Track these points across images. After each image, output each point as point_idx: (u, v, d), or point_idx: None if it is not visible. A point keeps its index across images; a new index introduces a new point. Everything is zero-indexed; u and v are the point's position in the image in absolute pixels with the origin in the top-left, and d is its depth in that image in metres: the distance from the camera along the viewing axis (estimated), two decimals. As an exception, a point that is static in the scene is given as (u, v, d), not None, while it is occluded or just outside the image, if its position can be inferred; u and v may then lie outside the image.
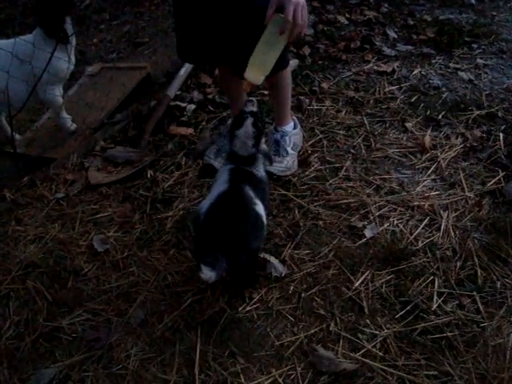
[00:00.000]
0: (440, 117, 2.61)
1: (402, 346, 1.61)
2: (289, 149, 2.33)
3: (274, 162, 2.21)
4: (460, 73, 2.99)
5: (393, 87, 2.90)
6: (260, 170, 1.82)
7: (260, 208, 1.70)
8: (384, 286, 1.80)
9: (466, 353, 1.58)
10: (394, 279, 1.82)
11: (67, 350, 1.72)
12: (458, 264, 1.86)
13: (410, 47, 3.32)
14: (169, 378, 1.59)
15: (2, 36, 2.99)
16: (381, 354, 1.60)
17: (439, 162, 2.32)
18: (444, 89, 2.87)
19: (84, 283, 1.94)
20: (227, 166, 1.82)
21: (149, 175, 2.43)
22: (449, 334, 1.63)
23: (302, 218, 2.09)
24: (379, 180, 2.25)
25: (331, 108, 2.75)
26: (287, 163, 2.30)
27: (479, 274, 1.81)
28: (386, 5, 3.89)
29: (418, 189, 2.19)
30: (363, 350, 1.61)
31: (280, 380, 1.56)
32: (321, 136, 2.54)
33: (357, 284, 1.81)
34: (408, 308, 1.72)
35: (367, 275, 1.84)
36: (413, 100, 2.77)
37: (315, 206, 2.14)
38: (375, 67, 3.11)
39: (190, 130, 2.71)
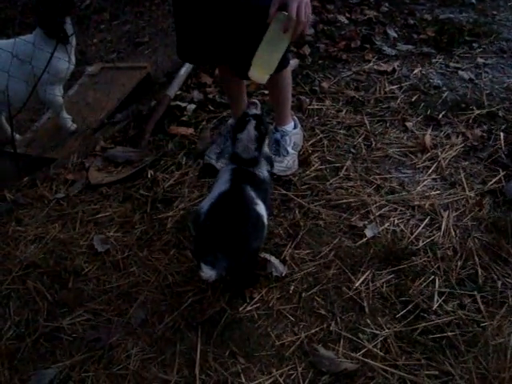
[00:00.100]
0: (440, 116, 2.61)
1: (402, 345, 1.61)
2: (289, 148, 2.33)
3: (275, 162, 2.21)
4: (460, 72, 2.99)
5: (393, 87, 2.90)
6: (263, 171, 1.81)
7: (261, 208, 1.70)
8: (385, 285, 1.80)
9: (466, 352, 1.57)
10: (394, 279, 1.82)
11: (68, 350, 1.72)
12: (459, 263, 1.86)
13: (410, 46, 3.31)
14: (169, 378, 1.59)
15: (2, 36, 3.00)
16: (381, 353, 1.59)
17: (440, 161, 2.32)
18: (444, 88, 2.86)
19: (84, 283, 1.94)
20: (229, 165, 1.81)
21: (149, 175, 2.43)
22: (449, 333, 1.63)
23: (302, 218, 2.09)
24: (380, 179, 2.25)
25: (331, 107, 2.75)
26: (287, 163, 2.30)
27: (480, 273, 1.81)
28: (387, 4, 3.88)
29: (419, 188, 2.19)
30: (364, 350, 1.61)
31: (281, 380, 1.56)
32: (321, 135, 2.53)
33: (357, 284, 1.81)
34: (409, 308, 1.72)
35: (368, 275, 1.84)
36: (413, 99, 2.77)
37: (316, 206, 2.14)
38: (375, 67, 3.10)
39: (191, 130, 2.71)
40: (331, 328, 1.68)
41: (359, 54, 3.27)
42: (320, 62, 3.22)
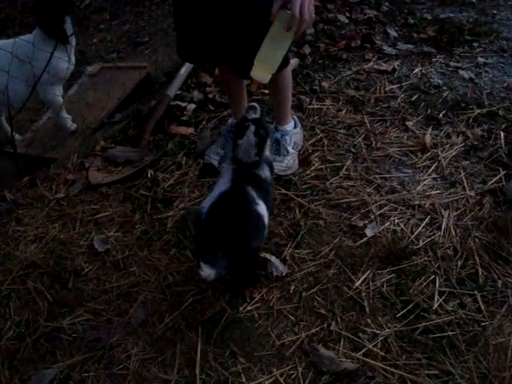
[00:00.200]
0: (441, 115, 2.61)
1: (403, 345, 1.61)
2: (289, 148, 2.33)
3: (275, 161, 2.20)
4: (461, 71, 2.99)
5: (393, 86, 2.89)
6: (264, 171, 1.80)
7: (262, 208, 1.69)
8: (385, 285, 1.80)
9: (467, 352, 1.57)
10: (394, 278, 1.82)
11: (68, 350, 1.72)
12: (459, 263, 1.85)
13: (410, 46, 3.31)
14: (170, 378, 1.59)
15: (1, 36, 3.00)
16: (382, 353, 1.59)
17: (440, 160, 2.32)
18: (445, 87, 2.86)
19: (84, 283, 1.94)
20: (231, 165, 1.80)
21: (149, 175, 2.43)
22: (450, 333, 1.62)
23: (302, 218, 2.08)
24: (380, 179, 2.25)
25: (332, 107, 2.75)
26: (288, 162, 2.30)
27: (480, 272, 1.81)
28: (387, 3, 3.88)
29: (419, 188, 2.19)
30: (364, 350, 1.61)
31: (281, 380, 1.56)
32: (321, 135, 2.53)
33: (358, 283, 1.81)
34: (409, 307, 1.71)
35: (368, 274, 1.84)
36: (413, 99, 2.76)
37: (316, 206, 2.13)
38: (376, 66, 3.10)
39: (191, 130, 2.71)
40: (331, 328, 1.68)
41: (359, 54, 3.27)
42: (320, 61, 3.22)
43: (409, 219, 2.05)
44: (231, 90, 2.47)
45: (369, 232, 1.99)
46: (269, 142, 1.84)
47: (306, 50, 3.31)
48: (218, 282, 1.79)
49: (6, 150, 2.75)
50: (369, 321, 1.69)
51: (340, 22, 3.69)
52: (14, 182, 2.50)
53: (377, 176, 2.26)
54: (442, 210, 2.07)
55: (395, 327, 1.66)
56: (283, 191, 2.21)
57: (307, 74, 3.08)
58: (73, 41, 2.65)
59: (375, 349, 1.61)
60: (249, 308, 1.76)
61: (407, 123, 2.57)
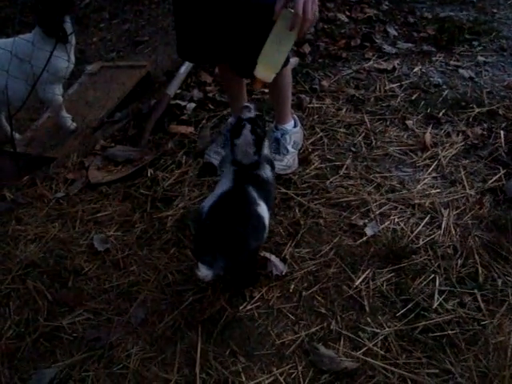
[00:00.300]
0: (441, 114, 2.60)
1: (403, 344, 1.61)
2: (289, 147, 2.33)
3: (275, 160, 2.20)
4: (460, 70, 2.98)
5: (393, 85, 2.89)
6: (266, 171, 1.80)
7: (262, 209, 1.69)
8: (385, 284, 1.80)
9: (467, 351, 1.57)
10: (394, 277, 1.82)
11: (68, 349, 1.72)
12: (459, 262, 1.85)
13: (410, 45, 3.31)
14: (170, 377, 1.59)
15: (1, 35, 2.99)
16: (382, 352, 1.59)
17: (440, 159, 2.32)
18: (444, 86, 2.86)
19: (84, 282, 1.94)
20: (232, 167, 1.79)
21: (149, 174, 2.43)
22: (450, 332, 1.62)
23: (302, 217, 2.08)
24: (380, 178, 2.25)
25: (331, 106, 2.75)
26: (287, 161, 2.29)
27: (480, 271, 1.81)
28: (387, 2, 3.88)
29: (419, 187, 2.19)
30: (364, 349, 1.61)
31: (281, 379, 1.56)
32: (321, 134, 2.53)
33: (357, 282, 1.81)
34: (409, 306, 1.72)
35: (368, 273, 1.84)
36: (413, 98, 2.76)
37: (316, 205, 2.13)
38: (375, 65, 3.10)
39: (191, 129, 2.71)
40: (331, 327, 1.68)
41: (359, 53, 3.27)
42: (320, 60, 3.22)
43: (409, 218, 2.05)
44: (231, 89, 2.47)
45: (369, 231, 1.99)
46: (267, 141, 1.84)
47: (306, 48, 3.31)
48: (217, 281, 1.79)
49: (6, 149, 2.74)
50: (369, 320, 1.69)
51: (340, 21, 3.69)
52: (14, 181, 2.49)
53: (377, 175, 2.26)
54: (442, 209, 2.07)
55: (395, 326, 1.66)
56: (283, 190, 2.21)
57: (307, 72, 3.08)
58: (72, 40, 2.65)
59: (375, 348, 1.61)
60: (249, 307, 1.76)
61: (407, 122, 2.57)
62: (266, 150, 1.81)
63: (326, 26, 3.58)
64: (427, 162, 2.32)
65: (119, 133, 2.80)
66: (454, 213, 2.05)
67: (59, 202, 2.35)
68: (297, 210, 2.12)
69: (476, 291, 1.74)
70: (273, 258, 1.88)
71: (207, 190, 2.26)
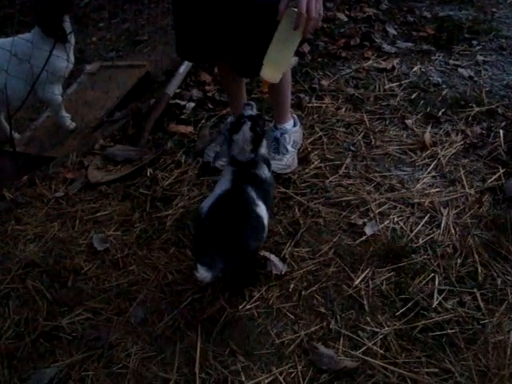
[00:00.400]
0: (440, 114, 2.60)
1: (402, 343, 1.61)
2: (289, 146, 2.33)
3: (274, 160, 2.20)
4: (460, 69, 2.98)
5: (393, 84, 2.89)
6: (264, 171, 1.79)
7: (261, 209, 1.69)
8: (384, 283, 1.80)
9: (466, 350, 1.57)
10: (394, 277, 1.82)
11: (67, 349, 1.71)
12: (459, 261, 1.85)
13: (409, 44, 3.30)
14: (169, 377, 1.59)
15: (0, 35, 2.99)
16: (381, 351, 1.59)
17: (439, 158, 2.32)
18: (444, 86, 2.86)
19: (84, 282, 1.94)
20: (230, 167, 1.80)
21: (148, 173, 2.43)
22: (449, 331, 1.63)
23: (302, 216, 2.08)
24: (379, 177, 2.24)
25: (331, 105, 2.74)
26: (287, 161, 2.29)
27: (480, 271, 1.81)
28: (386, 2, 3.88)
29: (418, 186, 2.19)
30: (364, 348, 1.61)
31: (280, 378, 1.56)
32: (321, 133, 2.53)
33: (357, 282, 1.81)
34: (408, 305, 1.71)
35: (367, 273, 1.84)
36: (413, 97, 2.76)
37: (315, 204, 2.13)
38: (375, 64, 3.10)
39: (190, 128, 2.71)
40: (331, 326, 1.68)
41: (359, 52, 3.27)
42: (319, 59, 3.22)
43: (408, 217, 2.05)
44: (230, 89, 2.47)
45: (368, 230, 1.99)
46: (265, 142, 1.83)
47: (306, 48, 3.30)
48: (217, 280, 1.79)
49: (5, 149, 2.74)
50: (368, 319, 1.69)
51: (339, 21, 3.69)
52: (13, 180, 2.49)
53: (376, 174, 2.26)
54: (442, 208, 2.06)
55: (395, 325, 1.66)
56: (283, 190, 2.21)
57: (306, 72, 3.08)
58: (72, 39, 2.65)
59: (375, 347, 1.61)
60: (248, 306, 1.76)
61: (406, 121, 2.57)
62: (263, 150, 1.81)
63: (325, 26, 3.58)
64: (427, 161, 2.32)
65: (118, 132, 2.80)
66: (454, 212, 2.05)
67: (58, 201, 2.35)
68: (296, 210, 2.12)
69: (475, 290, 1.74)
70: (272, 257, 1.88)
71: (207, 189, 2.26)
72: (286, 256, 1.92)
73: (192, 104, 2.90)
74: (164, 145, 2.61)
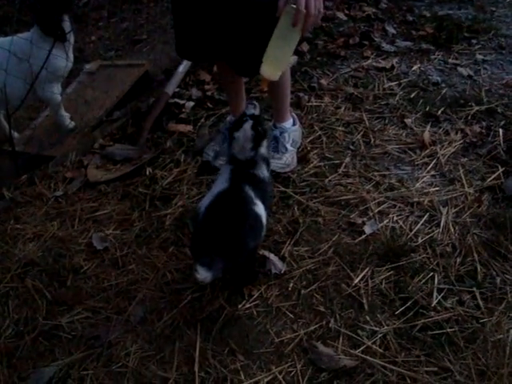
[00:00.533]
0: (439, 113, 2.60)
1: (401, 342, 1.61)
2: (288, 145, 2.33)
3: (274, 159, 2.20)
4: (459, 68, 2.98)
5: (392, 83, 2.89)
6: (263, 171, 1.79)
7: (260, 208, 1.68)
8: (384, 282, 1.80)
9: (465, 349, 1.57)
10: (393, 275, 1.82)
11: (67, 348, 1.71)
12: (458, 260, 1.86)
13: (409, 43, 3.31)
14: (168, 376, 1.59)
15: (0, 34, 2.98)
16: (381, 350, 1.59)
17: (439, 157, 2.32)
18: (443, 85, 2.86)
19: (83, 281, 1.94)
20: (228, 165, 1.80)
21: (148, 172, 2.43)
22: (449, 329, 1.63)
23: (301, 215, 2.08)
24: (378, 176, 2.24)
25: (330, 104, 2.74)
26: (286, 160, 2.29)
27: (479, 269, 1.81)
28: (385, 1, 3.88)
29: (418, 185, 2.19)
30: (363, 347, 1.61)
31: (280, 377, 1.56)
32: (320, 132, 2.53)
33: (356, 280, 1.81)
34: (408, 304, 1.71)
35: (367, 272, 1.84)
36: (412, 96, 2.76)
37: (314, 203, 2.13)
38: (374, 63, 3.10)
39: (189, 127, 2.71)
40: (330, 325, 1.68)
41: (358, 51, 3.27)
42: (319, 58, 3.22)
43: (407, 216, 2.05)
44: (230, 88, 2.47)
45: (367, 229, 1.99)
46: (266, 142, 1.83)
47: (305, 47, 3.30)
48: (216, 279, 1.78)
49: (4, 148, 2.74)
50: (367, 318, 1.69)
51: (338, 20, 3.69)
52: (13, 180, 2.49)
53: (375, 173, 2.26)
54: (441, 207, 2.07)
55: (394, 324, 1.66)
56: (282, 188, 2.21)
57: (306, 71, 3.08)
58: (71, 38, 2.64)
59: (374, 346, 1.61)
60: (247, 305, 1.76)
61: (406, 120, 2.57)
62: (263, 150, 1.81)
63: (324, 25, 3.58)
64: (426, 160, 2.32)
65: (118, 131, 2.80)
66: (453, 211, 2.05)
67: (58, 200, 2.35)
68: (295, 209, 2.12)
69: (475, 289, 1.74)
70: (272, 256, 1.88)
71: (206, 188, 2.26)
72: (286, 255, 1.92)
73: (191, 103, 2.90)
74: (163, 144, 2.61)
